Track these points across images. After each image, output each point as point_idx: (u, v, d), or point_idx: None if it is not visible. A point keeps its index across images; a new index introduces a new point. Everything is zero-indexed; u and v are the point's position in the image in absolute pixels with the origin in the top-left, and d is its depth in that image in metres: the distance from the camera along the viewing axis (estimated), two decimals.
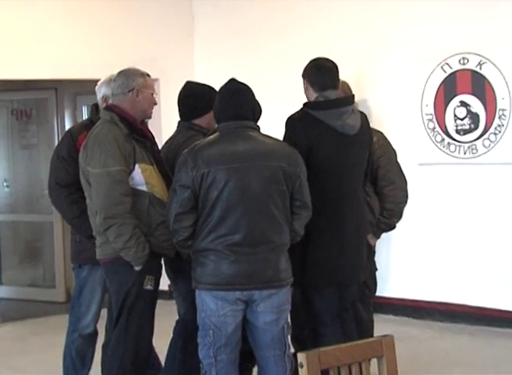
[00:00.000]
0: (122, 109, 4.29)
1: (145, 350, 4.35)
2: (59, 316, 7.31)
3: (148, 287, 4.21)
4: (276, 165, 3.96)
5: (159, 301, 4.44)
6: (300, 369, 2.55)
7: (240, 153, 3.94)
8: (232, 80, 4.15)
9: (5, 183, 8.84)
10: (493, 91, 6.53)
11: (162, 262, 4.41)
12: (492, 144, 6.56)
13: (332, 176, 4.34)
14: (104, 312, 4.74)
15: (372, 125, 4.98)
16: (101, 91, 4.77)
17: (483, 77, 6.56)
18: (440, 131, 6.83)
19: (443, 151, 6.83)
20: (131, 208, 4.13)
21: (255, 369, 4.33)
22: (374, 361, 2.73)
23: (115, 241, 4.11)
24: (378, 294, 5.59)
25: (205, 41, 8.45)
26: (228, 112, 4.04)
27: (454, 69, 6.72)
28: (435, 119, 6.86)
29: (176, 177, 3.98)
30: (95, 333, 4.90)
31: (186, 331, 4.47)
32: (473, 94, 6.64)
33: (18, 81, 7.91)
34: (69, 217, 4.77)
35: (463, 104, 6.70)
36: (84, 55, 7.74)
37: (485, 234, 6.69)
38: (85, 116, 8.33)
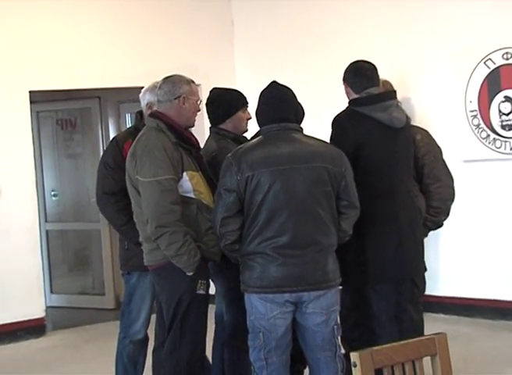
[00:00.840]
0: (168, 117, 4.29)
1: (200, 354, 4.35)
2: (109, 323, 7.39)
3: (201, 291, 4.22)
4: (321, 166, 3.95)
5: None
6: (353, 369, 2.54)
7: (283, 155, 3.94)
8: (274, 83, 4.15)
9: (52, 193, 8.95)
10: None
11: None
12: None
13: (383, 171, 4.35)
14: (154, 318, 4.77)
15: (416, 123, 4.99)
16: (145, 98, 4.79)
17: None
18: (485, 127, 6.77)
19: (489, 148, 6.77)
20: (181, 216, 4.15)
21: (306, 371, 4.33)
22: (427, 359, 2.71)
23: (167, 248, 4.12)
24: (427, 293, 5.52)
25: (245, 46, 8.48)
26: (270, 114, 4.04)
27: (498, 64, 6.66)
28: (479, 116, 6.80)
29: (220, 182, 4.00)
30: (146, 339, 4.93)
31: (224, 335, 4.56)
32: None
33: (62, 91, 8.00)
34: (118, 224, 4.81)
35: (507, 99, 6.63)
36: (126, 64, 7.82)
37: None
38: (128, 124, 8.41)
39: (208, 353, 4.72)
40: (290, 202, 3.90)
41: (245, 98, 4.72)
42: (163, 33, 8.09)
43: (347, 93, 4.49)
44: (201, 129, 4.88)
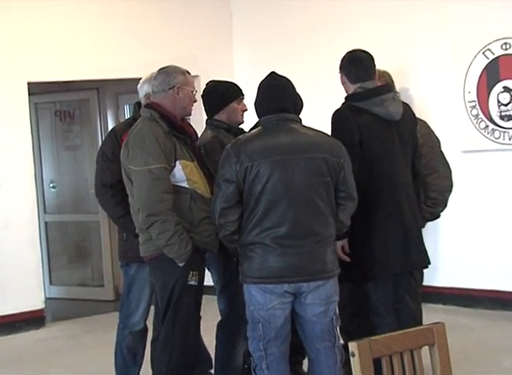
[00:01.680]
0: (162, 107, 4.31)
1: (193, 346, 4.35)
2: (109, 314, 7.40)
3: (192, 282, 4.22)
4: (319, 156, 3.95)
5: (207, 297, 4.46)
6: (351, 359, 2.54)
7: (282, 146, 3.94)
8: (273, 74, 4.15)
9: (51, 185, 8.95)
10: None
11: None
12: None
13: (385, 164, 4.35)
14: (153, 309, 4.78)
15: (415, 113, 4.95)
16: (143, 89, 4.80)
17: None
18: (484, 118, 6.76)
19: (487, 138, 6.77)
20: (173, 205, 4.15)
21: (306, 362, 4.34)
22: (425, 349, 2.72)
23: (158, 238, 4.12)
24: (426, 283, 5.54)
25: (244, 38, 8.47)
26: (269, 105, 4.04)
27: (496, 55, 6.65)
28: (478, 106, 6.80)
29: (219, 172, 4.00)
30: (145, 330, 4.93)
31: (223, 327, 4.63)
32: None
33: (60, 83, 7.99)
34: (115, 217, 4.81)
35: (506, 89, 6.62)
36: (125, 55, 7.81)
37: None
38: (127, 115, 8.40)
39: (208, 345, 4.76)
40: (289, 193, 3.90)
41: (240, 90, 4.75)
42: (162, 24, 8.08)
43: (343, 82, 4.48)
44: (200, 121, 4.89)
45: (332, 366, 4.01)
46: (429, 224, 5.28)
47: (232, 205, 3.94)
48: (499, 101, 6.68)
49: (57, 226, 9.07)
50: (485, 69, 6.72)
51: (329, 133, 4.26)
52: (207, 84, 4.82)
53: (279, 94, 4.05)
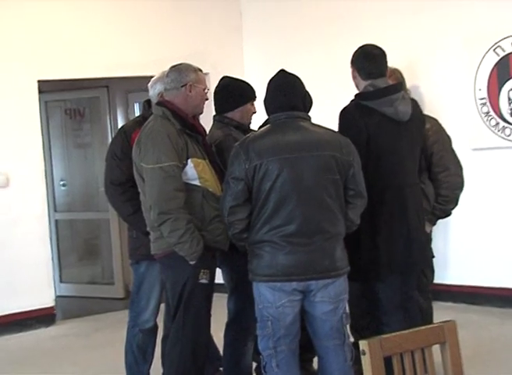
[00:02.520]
0: (174, 104, 4.31)
1: (203, 344, 4.36)
2: (119, 312, 7.42)
3: (203, 280, 4.22)
4: (329, 154, 3.94)
5: (218, 295, 4.46)
6: (362, 357, 2.54)
7: (291, 144, 3.93)
8: (282, 71, 4.14)
9: (61, 183, 8.97)
10: None
11: None
12: None
13: (392, 164, 4.33)
14: (163, 307, 4.78)
15: (425, 111, 4.94)
16: (156, 88, 4.78)
17: None
18: (494, 115, 6.74)
19: (498, 136, 6.75)
20: (185, 203, 4.15)
21: (316, 360, 4.33)
22: (436, 347, 2.71)
23: (170, 235, 4.12)
24: (436, 281, 5.54)
25: (254, 35, 8.47)
26: (278, 103, 4.04)
27: (507, 52, 6.63)
28: (488, 104, 6.77)
29: (228, 170, 3.99)
30: (155, 328, 4.94)
31: (233, 326, 4.63)
32: None
33: (70, 81, 8.00)
34: (125, 215, 4.81)
35: None
36: (134, 53, 7.82)
37: None
38: (137, 113, 8.41)
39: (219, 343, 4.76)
40: (298, 190, 3.89)
41: (255, 91, 4.73)
42: (171, 22, 8.08)
43: (354, 77, 4.45)
44: (208, 118, 4.87)
45: (342, 364, 4.01)
46: (440, 222, 5.26)
47: (241, 203, 3.94)
48: (509, 99, 6.66)
49: (67, 224, 9.09)
50: (495, 66, 6.70)
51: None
52: (221, 80, 4.79)
53: (288, 92, 4.04)
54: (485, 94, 6.78)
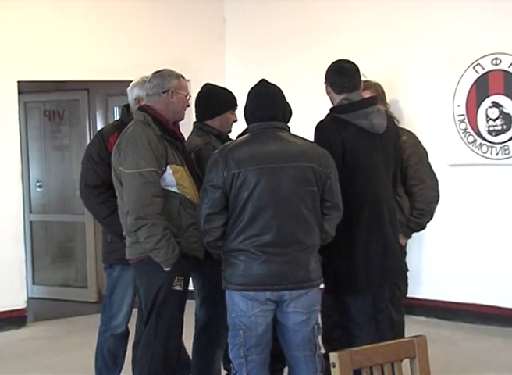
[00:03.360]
0: (155, 110, 4.31)
1: (175, 351, 4.35)
2: (91, 316, 7.37)
3: (177, 287, 4.21)
4: (307, 165, 3.95)
5: (189, 302, 4.45)
6: (332, 369, 2.54)
7: (270, 154, 3.94)
8: (263, 81, 4.15)
9: (37, 184, 8.92)
10: None
11: None
12: None
13: (368, 177, 4.35)
14: (135, 312, 4.77)
15: (404, 125, 4.99)
16: (133, 92, 4.79)
17: None
18: (472, 132, 6.79)
19: (475, 152, 6.79)
20: (162, 210, 4.14)
21: (286, 370, 4.33)
22: (406, 362, 2.72)
23: (146, 241, 4.12)
24: (409, 295, 5.56)
25: (236, 43, 8.48)
26: (258, 112, 4.05)
27: (486, 70, 6.68)
28: (466, 120, 6.82)
29: (206, 178, 3.99)
30: (127, 333, 4.92)
31: (203, 334, 4.63)
32: (505, 95, 6.60)
33: (50, 82, 7.98)
34: (100, 217, 4.79)
35: (495, 104, 6.65)
36: (115, 57, 7.80)
37: None
38: (116, 117, 8.37)
39: (189, 350, 4.75)
40: (275, 201, 3.90)
41: (236, 100, 4.73)
42: (154, 27, 8.08)
43: (328, 92, 4.48)
44: (188, 124, 4.87)
45: None
46: (414, 236, 5.30)
47: (217, 211, 3.94)
48: (487, 116, 6.71)
49: (42, 225, 9.03)
50: (474, 83, 6.75)
51: None
52: (203, 87, 4.78)
53: (268, 102, 4.05)
54: (463, 110, 6.83)
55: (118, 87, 7.41)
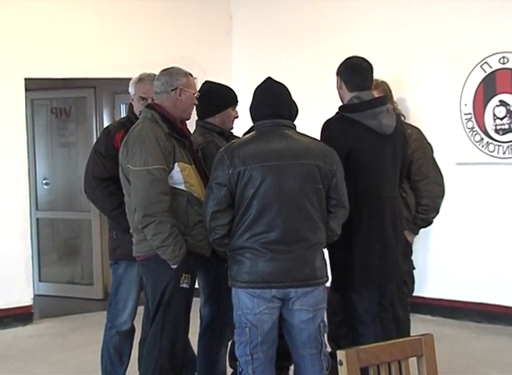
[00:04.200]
0: (163, 108, 4.30)
1: (181, 348, 4.35)
2: (97, 313, 7.39)
3: (184, 285, 4.21)
4: (312, 163, 3.95)
5: (195, 300, 4.46)
6: (339, 367, 2.54)
7: (276, 151, 3.94)
8: (269, 79, 4.15)
9: (44, 181, 8.94)
10: None
11: None
12: None
13: (372, 177, 4.34)
14: (141, 309, 4.77)
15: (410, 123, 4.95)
16: (129, 91, 4.86)
17: None
18: (479, 131, 6.78)
19: (482, 151, 6.78)
20: (169, 207, 4.15)
21: (292, 368, 4.33)
22: (413, 360, 2.72)
23: (153, 238, 4.12)
24: (415, 294, 5.57)
25: (243, 39, 8.47)
26: (264, 110, 4.05)
27: (494, 69, 6.67)
28: (474, 119, 6.81)
29: (212, 175, 4.00)
30: (132, 330, 4.92)
31: (207, 333, 4.63)
32: None
33: (57, 80, 7.98)
34: (108, 209, 4.77)
35: (502, 103, 6.64)
36: (123, 54, 7.81)
37: None
38: (123, 114, 8.38)
39: (194, 347, 4.76)
40: (281, 198, 3.90)
41: (236, 96, 4.74)
42: (161, 24, 8.08)
43: (339, 87, 4.44)
44: (191, 122, 4.88)
45: (318, 373, 4.01)
46: (421, 235, 5.30)
47: (223, 209, 3.94)
48: (494, 115, 6.70)
49: (48, 223, 9.05)
50: (482, 82, 6.74)
51: None
52: (203, 85, 4.78)
53: (274, 100, 4.05)
54: (470, 109, 6.82)
55: (125, 85, 7.35)
